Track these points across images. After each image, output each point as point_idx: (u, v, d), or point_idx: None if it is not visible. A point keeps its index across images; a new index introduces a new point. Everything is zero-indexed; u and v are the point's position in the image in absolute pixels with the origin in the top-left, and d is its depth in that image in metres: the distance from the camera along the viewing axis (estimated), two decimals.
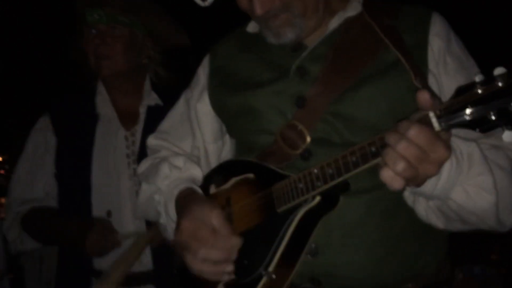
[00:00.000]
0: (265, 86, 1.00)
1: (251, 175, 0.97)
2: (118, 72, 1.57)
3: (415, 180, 0.75)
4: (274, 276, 0.89)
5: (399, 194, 0.92)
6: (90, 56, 1.57)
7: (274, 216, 0.91)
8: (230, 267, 0.90)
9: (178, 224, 0.93)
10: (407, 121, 0.75)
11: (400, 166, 0.72)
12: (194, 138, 1.14)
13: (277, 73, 1.01)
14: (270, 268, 0.89)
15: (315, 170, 0.86)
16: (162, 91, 1.67)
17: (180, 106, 1.20)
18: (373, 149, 0.78)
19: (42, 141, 1.63)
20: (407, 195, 0.92)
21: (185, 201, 0.99)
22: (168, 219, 1.03)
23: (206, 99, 1.11)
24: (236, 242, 0.89)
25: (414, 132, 0.72)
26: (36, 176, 1.62)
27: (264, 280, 0.89)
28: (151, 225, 1.47)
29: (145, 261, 1.54)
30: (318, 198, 0.88)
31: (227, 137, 1.15)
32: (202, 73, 1.15)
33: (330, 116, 0.95)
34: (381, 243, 0.92)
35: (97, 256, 1.53)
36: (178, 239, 0.91)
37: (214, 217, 0.90)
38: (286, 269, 0.90)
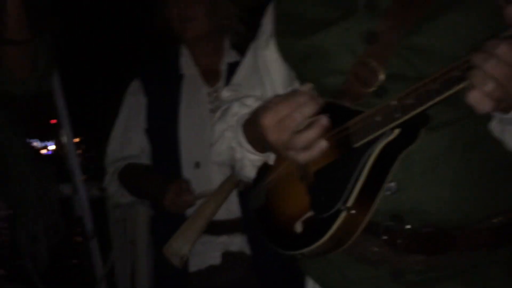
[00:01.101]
0: (333, 25, 0.97)
1: (324, 115, 0.96)
2: (202, 33, 1.66)
3: (505, 101, 0.71)
4: (353, 211, 0.88)
5: (483, 125, 0.87)
6: (174, 20, 1.65)
7: (351, 151, 0.89)
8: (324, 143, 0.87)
9: (260, 130, 0.91)
10: (495, 39, 0.70)
11: (489, 85, 0.68)
12: (264, 86, 1.15)
13: (345, 10, 0.97)
14: (349, 203, 0.88)
15: (394, 102, 0.83)
16: (241, 48, 1.72)
17: (249, 57, 1.21)
18: (458, 73, 0.74)
19: (134, 102, 1.78)
20: (495, 125, 0.87)
21: (251, 118, 0.99)
22: (242, 150, 1.05)
23: (272, 46, 1.11)
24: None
25: (504, 49, 0.67)
26: (131, 135, 1.77)
27: (343, 215, 0.88)
28: (233, 173, 1.52)
29: (233, 209, 1.61)
30: (397, 131, 0.85)
31: (296, 83, 1.14)
32: (267, 21, 1.14)
33: (405, 50, 0.91)
34: (466, 177, 0.89)
35: (174, 213, 1.60)
36: (269, 140, 0.90)
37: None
38: (366, 205, 0.89)
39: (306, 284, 1.11)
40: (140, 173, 1.74)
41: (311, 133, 0.86)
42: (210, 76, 1.73)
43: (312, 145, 0.87)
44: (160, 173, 1.72)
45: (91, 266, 2.62)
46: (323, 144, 0.87)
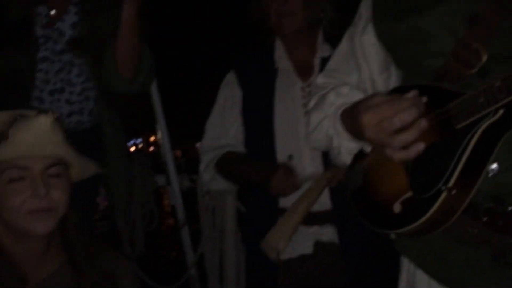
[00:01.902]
0: (435, 6, 0.98)
1: (423, 97, 0.98)
2: (298, 28, 1.69)
3: None
4: (454, 192, 0.89)
5: None
6: (272, 15, 1.70)
7: (452, 133, 0.91)
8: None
9: (358, 126, 0.95)
10: None
11: None
12: (360, 71, 1.18)
13: None
14: (450, 184, 0.89)
15: (497, 83, 0.84)
16: (334, 41, 1.74)
17: (344, 43, 1.24)
18: None
19: (230, 94, 1.84)
20: None
21: (351, 110, 1.03)
22: (339, 138, 1.09)
23: (371, 31, 1.13)
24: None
25: None
26: (227, 125, 1.83)
27: (443, 195, 0.90)
28: (329, 166, 1.56)
29: (324, 201, 1.64)
30: (500, 112, 0.85)
31: (393, 68, 1.16)
32: (364, 7, 1.17)
33: (507, 31, 0.91)
34: None
35: (280, 196, 1.66)
36: (367, 136, 0.95)
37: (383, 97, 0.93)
38: (467, 186, 0.89)
39: (401, 266, 1.14)
40: (242, 159, 1.80)
41: (409, 135, 0.89)
42: (304, 70, 1.75)
43: (409, 146, 0.90)
44: None
45: (182, 253, 2.77)
46: (420, 146, 0.90)
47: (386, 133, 0.90)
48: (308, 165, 1.67)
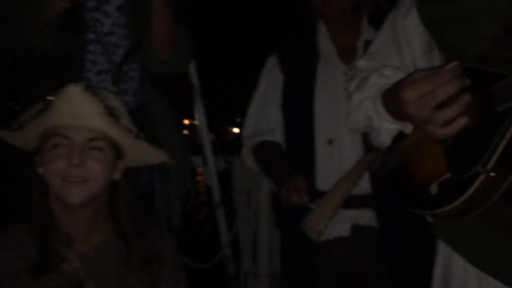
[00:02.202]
0: None
1: (466, 80, 0.98)
2: (345, 8, 1.68)
3: None
4: (492, 174, 0.90)
5: None
6: None
7: (493, 115, 0.90)
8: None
9: (400, 103, 0.96)
10: None
11: None
12: (403, 55, 1.18)
13: None
14: (489, 166, 0.89)
15: None
16: (378, 25, 1.72)
17: (386, 27, 1.24)
18: None
19: (271, 78, 1.85)
20: None
21: (392, 89, 1.03)
22: (379, 119, 1.10)
23: (414, 14, 1.13)
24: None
25: None
26: (267, 110, 1.84)
27: (481, 177, 0.90)
28: (369, 150, 1.57)
29: (364, 184, 1.64)
30: None
31: (436, 52, 1.16)
32: None
33: None
34: None
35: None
36: (409, 113, 0.95)
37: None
38: (506, 168, 0.90)
39: (438, 249, 1.15)
40: (268, 155, 1.82)
41: (452, 111, 0.89)
42: (347, 53, 1.73)
43: (452, 122, 0.90)
44: (293, 150, 1.77)
45: (216, 233, 2.83)
46: (463, 121, 0.90)
47: (428, 109, 0.90)
48: (348, 149, 1.67)
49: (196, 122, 2.92)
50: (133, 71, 1.75)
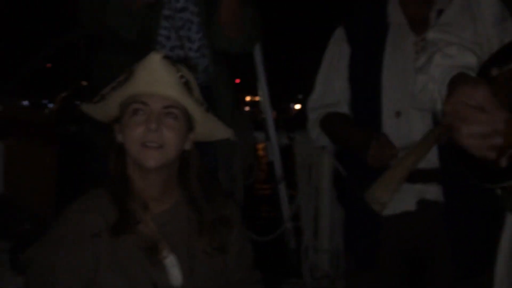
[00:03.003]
0: None
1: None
2: None
3: None
4: None
5: None
6: None
7: None
8: (498, 140, 0.91)
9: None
10: None
11: None
12: (475, 25, 1.14)
13: None
14: None
15: None
16: None
17: None
18: None
19: (337, 50, 1.83)
20: None
21: (457, 78, 1.02)
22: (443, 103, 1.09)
23: None
24: (502, 115, 0.90)
25: None
26: (333, 83, 1.83)
27: None
28: (439, 123, 1.53)
29: (431, 159, 1.60)
30: None
31: (509, 22, 1.12)
32: None
33: None
34: None
35: (376, 166, 1.63)
36: (445, 118, 0.97)
37: (477, 93, 0.92)
38: None
39: (506, 222, 1.13)
40: (341, 124, 1.80)
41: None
42: (418, 24, 1.67)
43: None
44: (360, 122, 1.75)
45: (278, 207, 2.88)
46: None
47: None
48: (416, 122, 1.63)
49: (258, 99, 2.96)
50: (204, 48, 1.79)
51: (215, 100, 1.81)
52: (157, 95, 1.18)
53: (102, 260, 1.14)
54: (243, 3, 1.73)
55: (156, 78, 1.16)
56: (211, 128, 1.31)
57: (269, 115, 2.81)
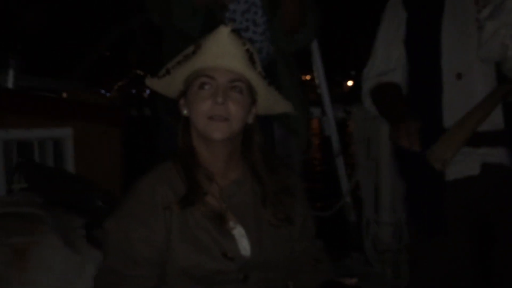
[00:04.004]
0: None
1: None
2: None
3: None
4: None
5: None
6: None
7: None
8: None
9: None
10: None
11: None
12: None
13: None
14: None
15: None
16: None
17: None
18: None
19: (393, 17, 1.79)
20: None
21: None
22: None
23: None
24: None
25: None
26: (390, 50, 1.79)
27: None
28: (503, 82, 1.47)
29: (496, 120, 1.55)
30: None
31: None
32: None
33: None
34: None
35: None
36: None
37: None
38: None
39: None
40: (387, 96, 1.77)
41: None
42: None
43: None
44: (419, 88, 1.71)
45: (337, 181, 2.87)
46: None
47: None
48: (478, 83, 1.58)
49: (309, 77, 2.95)
50: (268, 32, 1.80)
51: (277, 75, 1.81)
52: (223, 69, 1.20)
53: (174, 230, 1.18)
54: (304, 6, 1.73)
55: (224, 50, 1.18)
56: (272, 101, 1.32)
57: (325, 89, 2.79)
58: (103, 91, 4.02)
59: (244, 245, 1.22)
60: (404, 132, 1.57)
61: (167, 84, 1.28)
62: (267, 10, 1.77)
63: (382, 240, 2.57)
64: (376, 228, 2.62)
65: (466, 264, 1.64)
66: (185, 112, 1.26)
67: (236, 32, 1.19)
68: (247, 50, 1.20)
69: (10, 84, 2.06)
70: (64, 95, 2.42)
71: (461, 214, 1.64)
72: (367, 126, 2.62)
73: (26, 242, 1.42)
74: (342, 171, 2.82)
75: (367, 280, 2.56)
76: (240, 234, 1.23)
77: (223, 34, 1.17)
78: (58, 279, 1.43)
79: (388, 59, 1.79)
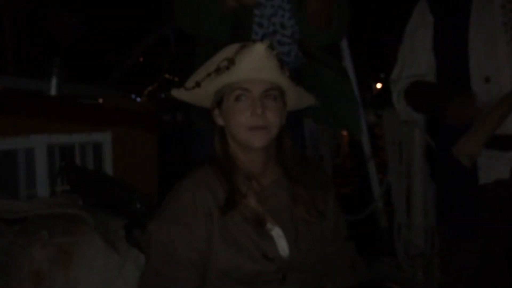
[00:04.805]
0: None
1: None
2: None
3: None
4: None
5: None
6: None
7: None
8: None
9: None
10: None
11: None
12: None
13: None
14: None
15: None
16: None
17: None
18: None
19: (420, 21, 1.80)
20: None
21: None
22: None
23: None
24: None
25: None
26: (418, 55, 1.80)
27: None
28: None
29: None
30: None
31: None
32: None
33: None
34: None
35: (453, 125, 1.60)
36: None
37: None
38: None
39: None
40: (427, 87, 1.77)
41: None
42: None
43: None
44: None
45: (368, 185, 2.88)
46: None
47: None
48: (507, 86, 1.57)
49: None
50: (297, 34, 1.83)
51: (314, 82, 1.83)
52: (258, 80, 1.24)
53: (214, 234, 1.23)
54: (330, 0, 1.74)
55: (261, 65, 1.21)
56: (298, 98, 1.36)
57: (355, 91, 2.79)
58: (133, 96, 4.10)
59: (282, 246, 1.26)
60: (462, 104, 1.55)
61: (195, 95, 1.32)
62: (294, 6, 1.77)
63: (414, 245, 2.56)
64: (408, 232, 2.60)
65: (498, 268, 1.63)
66: (220, 121, 1.31)
67: (270, 46, 1.22)
68: (279, 60, 1.24)
69: (53, 91, 2.15)
70: (100, 100, 2.51)
71: (491, 218, 1.63)
72: (399, 130, 2.61)
73: (70, 242, 1.49)
74: (373, 175, 2.82)
75: (398, 285, 2.56)
76: (278, 235, 1.27)
77: (260, 51, 1.20)
78: (100, 277, 1.49)
79: (418, 64, 1.79)
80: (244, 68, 1.22)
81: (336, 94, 1.86)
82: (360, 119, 2.00)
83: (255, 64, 1.21)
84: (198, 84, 1.30)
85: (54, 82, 2.14)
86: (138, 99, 3.99)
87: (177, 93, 1.34)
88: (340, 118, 1.90)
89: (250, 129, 1.24)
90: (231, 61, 1.23)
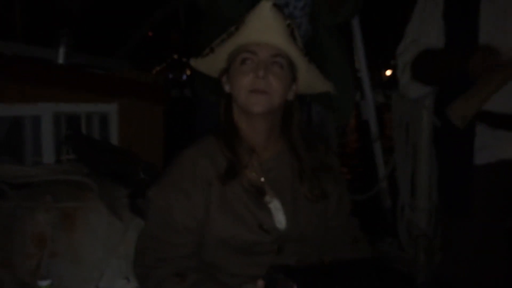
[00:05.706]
0: None
1: None
2: None
3: None
4: None
5: None
6: None
7: None
8: None
9: None
10: None
11: None
12: None
13: None
14: None
15: None
16: None
17: None
18: None
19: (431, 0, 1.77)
20: None
21: None
22: None
23: None
24: None
25: None
26: (428, 28, 1.78)
27: None
28: None
29: None
30: None
31: None
32: None
33: None
34: None
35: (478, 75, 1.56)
36: None
37: None
38: None
39: None
40: (439, 52, 1.73)
41: None
42: None
43: None
44: None
45: (373, 166, 2.86)
46: None
47: None
48: None
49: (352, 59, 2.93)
50: (308, 7, 1.81)
51: (322, 50, 1.81)
52: (265, 44, 1.23)
53: (213, 202, 1.24)
54: None
55: (266, 25, 1.20)
56: (313, 79, 1.34)
57: (365, 72, 2.77)
58: None
59: (279, 218, 1.26)
60: (484, 55, 1.53)
61: (211, 63, 1.32)
62: None
63: (416, 226, 2.56)
64: (411, 213, 2.60)
65: (497, 249, 1.63)
66: (227, 88, 1.30)
67: (277, 6, 1.21)
68: (289, 25, 1.23)
69: (61, 60, 2.15)
70: (111, 72, 2.51)
71: (492, 197, 1.63)
72: (407, 111, 2.59)
73: (73, 207, 1.50)
74: (379, 156, 2.81)
75: (399, 264, 2.56)
76: (276, 208, 1.27)
77: (265, 8, 1.19)
78: (102, 242, 1.51)
79: (427, 36, 1.76)
80: (250, 28, 1.21)
81: (335, 75, 1.84)
82: (352, 105, 1.98)
83: (260, 22, 1.20)
84: (212, 50, 1.30)
85: (62, 50, 2.14)
86: None
87: (195, 63, 1.34)
88: (334, 100, 1.89)
89: (250, 91, 1.23)
90: (240, 22, 1.23)
